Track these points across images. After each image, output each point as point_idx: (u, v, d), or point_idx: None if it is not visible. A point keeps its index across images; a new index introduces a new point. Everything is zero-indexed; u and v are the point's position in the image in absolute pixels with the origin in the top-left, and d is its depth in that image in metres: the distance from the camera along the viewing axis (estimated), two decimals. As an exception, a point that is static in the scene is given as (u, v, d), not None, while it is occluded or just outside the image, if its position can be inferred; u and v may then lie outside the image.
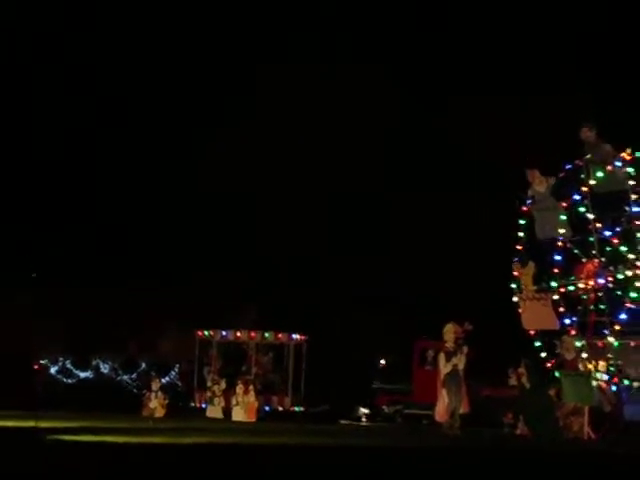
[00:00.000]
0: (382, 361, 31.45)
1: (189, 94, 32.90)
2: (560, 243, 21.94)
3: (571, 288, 21.79)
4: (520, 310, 22.09)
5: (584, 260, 21.89)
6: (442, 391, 20.65)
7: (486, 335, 22.28)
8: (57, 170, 33.18)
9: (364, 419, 29.54)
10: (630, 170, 21.63)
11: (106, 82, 32.07)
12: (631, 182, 21.61)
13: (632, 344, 21.57)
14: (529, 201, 22.33)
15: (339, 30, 30.02)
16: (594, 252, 21.73)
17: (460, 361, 20.52)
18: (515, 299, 22.24)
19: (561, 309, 21.85)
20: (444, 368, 20.59)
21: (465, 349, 20.62)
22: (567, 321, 21.86)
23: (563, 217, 21.81)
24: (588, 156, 21.86)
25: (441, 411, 20.90)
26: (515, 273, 22.37)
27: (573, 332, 21.65)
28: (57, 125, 32.72)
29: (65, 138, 32.91)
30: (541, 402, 20.98)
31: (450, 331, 20.77)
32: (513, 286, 22.33)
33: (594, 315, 21.98)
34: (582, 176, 21.84)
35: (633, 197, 21.54)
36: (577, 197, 21.89)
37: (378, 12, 29.18)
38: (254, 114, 31.09)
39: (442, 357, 20.73)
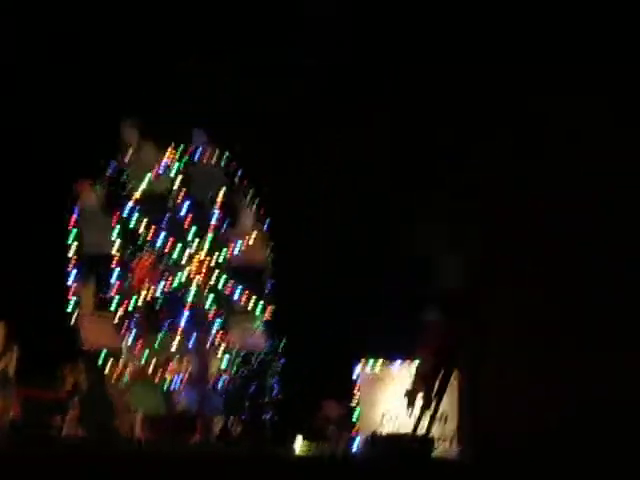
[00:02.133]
0: None
1: None
2: (116, 260, 20.41)
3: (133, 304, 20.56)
4: (79, 326, 20.21)
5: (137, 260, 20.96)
6: None
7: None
8: None
9: None
10: (175, 167, 21.24)
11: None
12: (179, 178, 21.23)
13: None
14: (76, 213, 20.64)
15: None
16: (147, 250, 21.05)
17: (10, 362, 18.45)
18: (75, 314, 20.28)
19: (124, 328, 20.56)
20: None
21: (16, 349, 18.50)
22: (130, 339, 20.51)
23: (115, 233, 20.57)
24: (128, 156, 20.94)
25: None
26: (73, 290, 20.38)
27: (139, 346, 20.45)
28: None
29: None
30: (99, 401, 19.88)
31: None
32: (73, 299, 20.33)
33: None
34: (126, 177, 20.94)
35: (181, 195, 21.19)
36: (127, 210, 20.87)
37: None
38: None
39: None
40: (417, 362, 16.86)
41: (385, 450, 15.47)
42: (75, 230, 20.35)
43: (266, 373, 22.69)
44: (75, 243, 20.25)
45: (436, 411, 16.30)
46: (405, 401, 16.82)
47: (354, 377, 19.55)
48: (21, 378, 19.42)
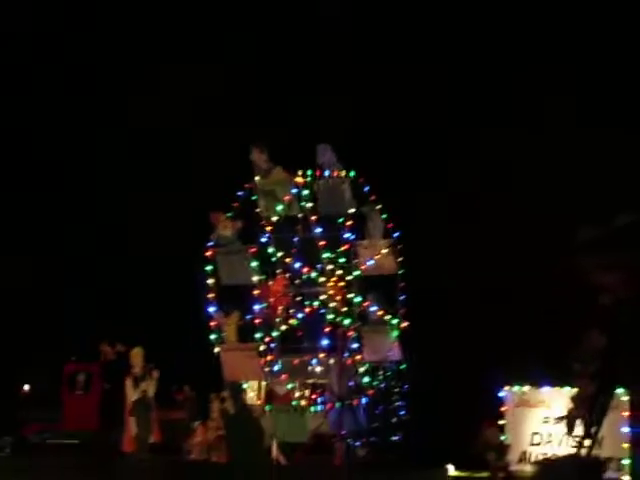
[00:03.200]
0: (26, 387, 27.93)
1: None
2: (257, 291, 20.67)
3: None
4: (222, 360, 20.53)
5: (270, 282, 21.08)
6: (130, 419, 19.03)
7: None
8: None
9: (8, 450, 25.80)
10: (307, 191, 21.22)
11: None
12: (309, 205, 21.26)
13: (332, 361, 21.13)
14: (211, 244, 21.01)
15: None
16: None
17: (150, 386, 19.01)
18: (216, 350, 20.58)
19: (269, 357, 20.76)
20: (132, 394, 19.01)
21: (155, 374, 19.12)
22: (276, 367, 20.77)
23: (254, 263, 20.77)
24: (257, 178, 21.16)
25: (128, 440, 19.25)
26: (215, 323, 20.78)
27: (284, 377, 20.62)
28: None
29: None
30: (247, 427, 19.95)
31: (138, 355, 19.14)
32: (212, 337, 20.65)
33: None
34: (254, 198, 21.14)
35: (312, 218, 21.22)
36: (264, 239, 21.11)
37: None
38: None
39: (129, 383, 19.12)
40: (570, 388, 16.96)
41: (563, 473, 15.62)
42: (212, 262, 20.81)
43: (392, 393, 22.54)
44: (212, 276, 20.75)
45: (596, 434, 16.41)
46: (560, 425, 16.97)
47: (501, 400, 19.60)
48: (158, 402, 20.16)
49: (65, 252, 24.03)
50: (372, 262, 21.34)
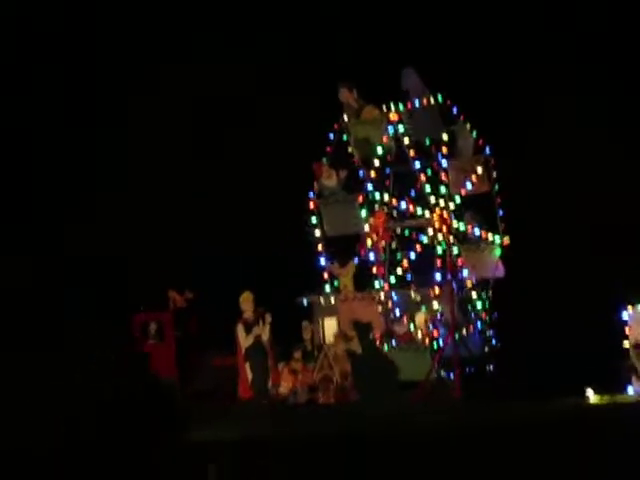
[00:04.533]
0: None
1: None
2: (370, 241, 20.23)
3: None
4: (339, 311, 20.31)
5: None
6: (245, 366, 19.17)
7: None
8: None
9: None
10: (402, 127, 20.64)
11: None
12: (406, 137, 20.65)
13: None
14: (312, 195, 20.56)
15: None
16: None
17: (263, 331, 19.05)
18: (332, 301, 20.27)
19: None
20: (244, 341, 19.07)
21: (268, 317, 19.17)
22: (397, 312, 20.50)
23: (362, 212, 20.24)
24: (347, 119, 20.54)
25: (244, 388, 19.47)
26: (326, 274, 20.49)
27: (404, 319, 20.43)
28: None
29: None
30: (376, 365, 19.88)
31: (247, 300, 19.23)
32: (327, 288, 20.39)
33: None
34: (345, 138, 20.55)
35: (411, 153, 20.72)
36: (369, 187, 20.54)
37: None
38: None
39: (241, 329, 19.17)
40: None
41: None
42: (316, 214, 20.33)
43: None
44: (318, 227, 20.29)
45: None
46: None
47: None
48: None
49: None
50: (469, 184, 20.95)
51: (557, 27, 21.66)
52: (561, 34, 21.54)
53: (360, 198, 20.09)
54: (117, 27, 23.69)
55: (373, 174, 20.35)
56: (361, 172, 20.44)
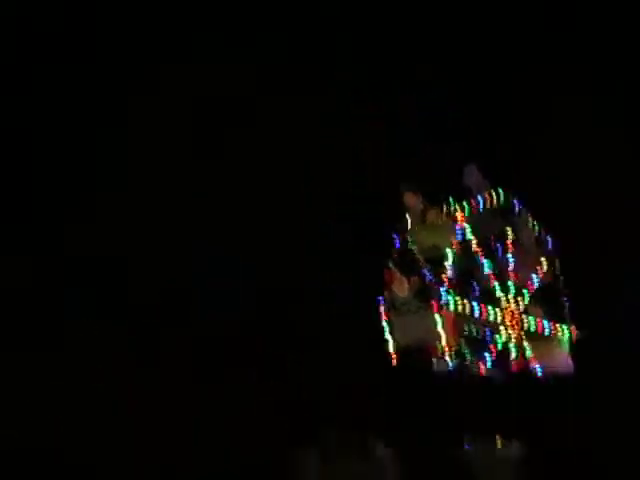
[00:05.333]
0: None
1: None
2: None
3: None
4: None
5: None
6: None
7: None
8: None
9: None
10: (469, 229, 20.16)
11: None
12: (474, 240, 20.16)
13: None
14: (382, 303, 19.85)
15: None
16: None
17: None
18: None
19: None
20: None
21: None
22: None
23: (439, 320, 19.49)
24: (411, 225, 20.04)
25: None
26: None
27: None
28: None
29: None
30: None
31: None
32: None
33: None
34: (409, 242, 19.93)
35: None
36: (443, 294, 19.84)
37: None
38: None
39: None
40: None
41: None
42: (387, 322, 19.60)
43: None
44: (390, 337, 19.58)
45: None
46: None
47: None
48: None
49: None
50: (535, 278, 20.42)
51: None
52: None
53: (434, 305, 19.47)
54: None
55: (445, 279, 19.72)
56: (429, 276, 19.81)
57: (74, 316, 20.63)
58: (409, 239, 19.80)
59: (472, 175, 20.41)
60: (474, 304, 19.89)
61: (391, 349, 19.48)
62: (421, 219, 19.87)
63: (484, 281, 20.06)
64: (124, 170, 23.04)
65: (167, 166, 23.05)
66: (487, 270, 19.97)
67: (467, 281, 20.25)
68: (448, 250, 19.66)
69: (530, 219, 20.66)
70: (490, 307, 20.11)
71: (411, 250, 19.74)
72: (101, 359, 20.40)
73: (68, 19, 24.14)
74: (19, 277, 20.52)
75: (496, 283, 20.07)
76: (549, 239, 20.78)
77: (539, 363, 20.49)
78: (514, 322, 20.21)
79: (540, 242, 20.77)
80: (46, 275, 21.04)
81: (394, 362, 19.39)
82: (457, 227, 19.73)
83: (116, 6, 23.79)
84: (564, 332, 20.75)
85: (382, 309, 19.54)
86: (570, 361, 20.90)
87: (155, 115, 22.70)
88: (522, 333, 20.22)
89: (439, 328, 19.26)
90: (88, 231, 22.42)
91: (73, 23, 23.86)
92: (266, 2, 23.32)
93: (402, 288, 19.40)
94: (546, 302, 20.87)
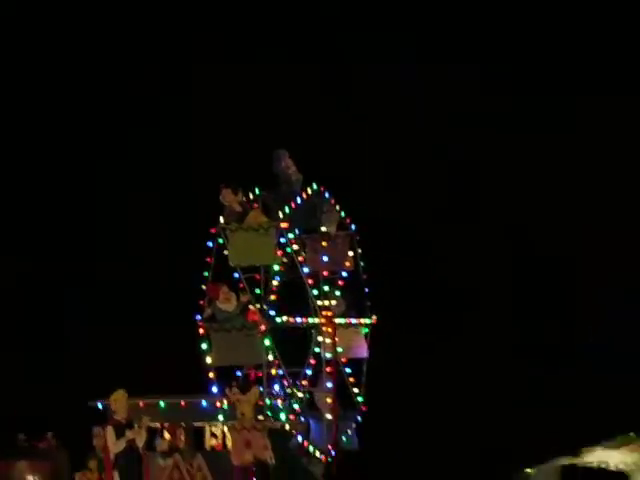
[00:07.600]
0: None
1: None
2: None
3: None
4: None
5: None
6: (114, 474, 16.75)
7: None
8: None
9: None
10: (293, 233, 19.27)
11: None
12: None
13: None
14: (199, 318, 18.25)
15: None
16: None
17: (139, 435, 16.71)
18: (225, 430, 18.35)
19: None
20: (114, 445, 16.61)
21: (146, 421, 16.87)
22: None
23: (267, 342, 18.19)
24: (225, 223, 18.38)
25: None
26: (227, 401, 18.12)
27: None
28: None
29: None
30: None
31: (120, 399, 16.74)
32: (220, 417, 18.21)
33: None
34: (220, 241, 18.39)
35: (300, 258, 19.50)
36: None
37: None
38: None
39: (111, 431, 16.60)
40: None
41: None
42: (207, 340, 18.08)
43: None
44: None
45: None
46: None
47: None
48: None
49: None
50: (325, 258, 19.66)
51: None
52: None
53: (263, 327, 18.04)
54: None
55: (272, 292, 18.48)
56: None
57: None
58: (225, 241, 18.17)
59: (281, 160, 19.17)
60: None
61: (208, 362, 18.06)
62: (238, 220, 18.22)
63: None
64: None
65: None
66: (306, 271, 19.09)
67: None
68: (269, 258, 18.31)
69: (337, 208, 19.91)
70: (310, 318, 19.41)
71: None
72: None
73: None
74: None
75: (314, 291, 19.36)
76: (352, 227, 20.19)
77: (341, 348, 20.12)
78: (328, 323, 19.51)
79: (342, 228, 20.11)
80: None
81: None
82: (277, 230, 18.33)
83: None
84: (365, 323, 20.42)
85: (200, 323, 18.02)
86: (365, 346, 20.69)
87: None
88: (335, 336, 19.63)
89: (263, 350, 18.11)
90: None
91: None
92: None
93: (229, 302, 17.80)
94: (351, 294, 20.42)
